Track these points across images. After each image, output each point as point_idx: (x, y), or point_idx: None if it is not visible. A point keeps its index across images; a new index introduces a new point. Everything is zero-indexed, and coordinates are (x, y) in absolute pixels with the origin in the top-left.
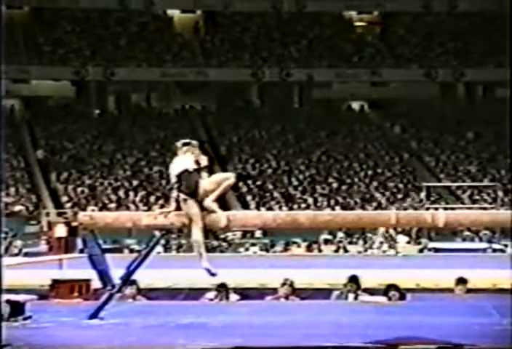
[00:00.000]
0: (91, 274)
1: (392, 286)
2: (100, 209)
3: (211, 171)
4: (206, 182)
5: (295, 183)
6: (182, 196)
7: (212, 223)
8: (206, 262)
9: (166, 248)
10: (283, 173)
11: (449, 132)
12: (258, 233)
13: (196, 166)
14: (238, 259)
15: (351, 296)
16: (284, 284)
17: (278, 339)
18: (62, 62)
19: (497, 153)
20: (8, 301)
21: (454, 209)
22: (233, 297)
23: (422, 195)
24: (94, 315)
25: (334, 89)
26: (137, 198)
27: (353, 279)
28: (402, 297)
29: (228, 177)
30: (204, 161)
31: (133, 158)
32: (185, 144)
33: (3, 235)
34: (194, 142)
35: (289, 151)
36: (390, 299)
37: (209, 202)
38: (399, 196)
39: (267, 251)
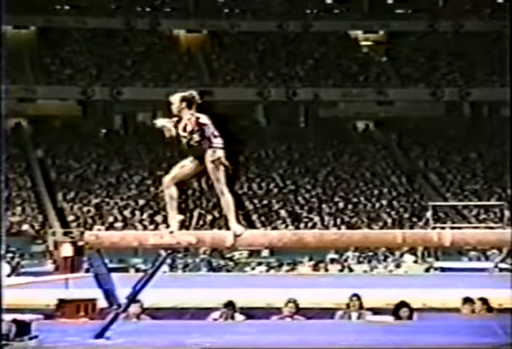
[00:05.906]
0: (97, 293)
1: (403, 304)
2: (107, 229)
3: None
4: None
5: (301, 202)
6: None
7: (218, 242)
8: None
9: (172, 267)
10: (289, 192)
11: (455, 151)
12: (265, 252)
13: None
14: (245, 279)
15: (354, 315)
16: (287, 304)
17: None
18: (68, 82)
19: (503, 172)
20: (14, 320)
21: (461, 229)
22: (239, 317)
23: (428, 214)
24: (100, 335)
25: (340, 108)
26: (144, 218)
27: (355, 296)
28: (410, 316)
29: None
30: None
31: (139, 177)
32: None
33: (10, 255)
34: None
35: (295, 170)
36: (400, 317)
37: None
38: (405, 216)
39: (273, 270)
